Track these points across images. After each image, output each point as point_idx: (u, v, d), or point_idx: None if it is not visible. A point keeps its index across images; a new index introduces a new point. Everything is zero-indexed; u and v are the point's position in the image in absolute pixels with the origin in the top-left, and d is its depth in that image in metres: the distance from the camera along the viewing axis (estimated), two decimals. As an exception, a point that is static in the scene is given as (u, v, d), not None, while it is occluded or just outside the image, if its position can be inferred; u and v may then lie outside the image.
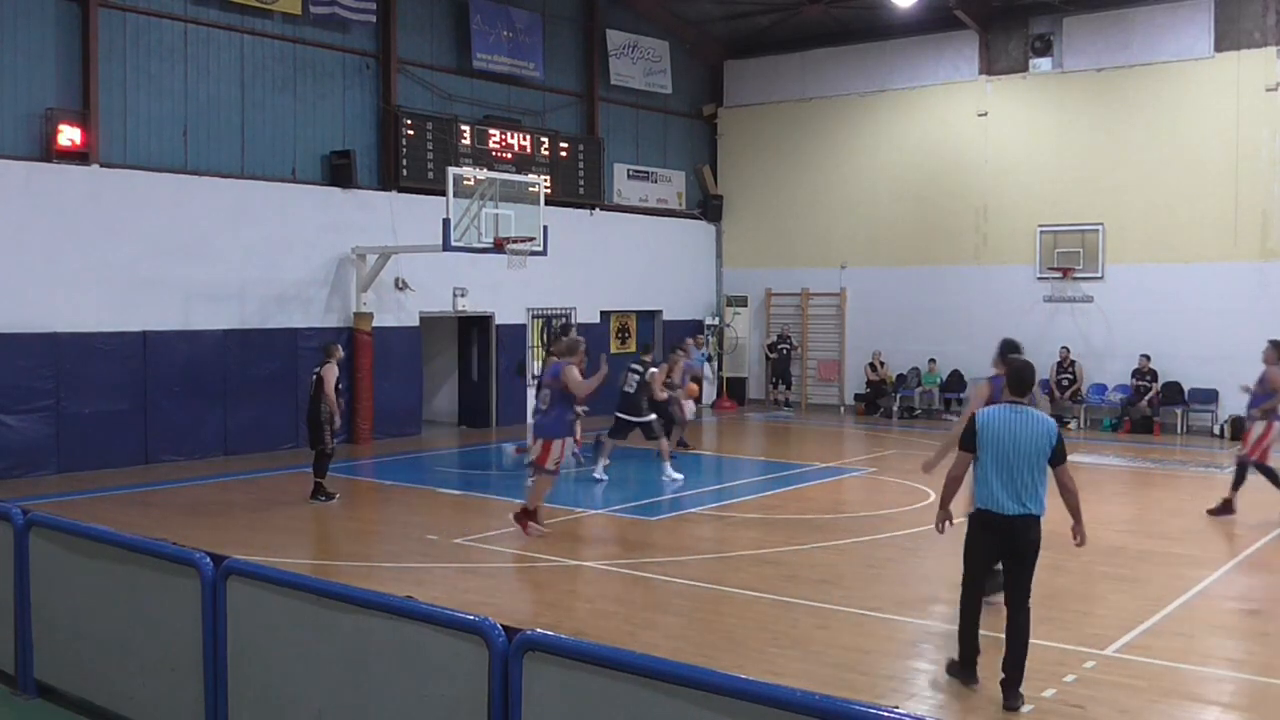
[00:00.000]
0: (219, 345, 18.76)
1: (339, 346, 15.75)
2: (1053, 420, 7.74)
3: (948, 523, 7.92)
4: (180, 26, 18.51)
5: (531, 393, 23.77)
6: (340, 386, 14.99)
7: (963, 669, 7.92)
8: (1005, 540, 7.60)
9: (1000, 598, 7.95)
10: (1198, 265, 22.41)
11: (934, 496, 15.22)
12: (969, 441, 7.65)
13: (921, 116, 25.71)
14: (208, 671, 5.94)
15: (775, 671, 7.99)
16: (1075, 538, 7.83)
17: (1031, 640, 8.84)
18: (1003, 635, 7.67)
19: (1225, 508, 14.01)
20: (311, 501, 14.69)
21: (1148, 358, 22.44)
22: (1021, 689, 7.52)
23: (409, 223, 20.75)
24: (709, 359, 25.95)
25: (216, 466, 17.73)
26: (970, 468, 7.76)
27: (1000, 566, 7.92)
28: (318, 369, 14.97)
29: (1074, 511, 7.74)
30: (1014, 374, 7.89)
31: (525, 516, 12.79)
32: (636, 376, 17.04)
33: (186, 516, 13.89)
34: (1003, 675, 7.58)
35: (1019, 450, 7.47)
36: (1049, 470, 7.59)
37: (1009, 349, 10.38)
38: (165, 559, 6.32)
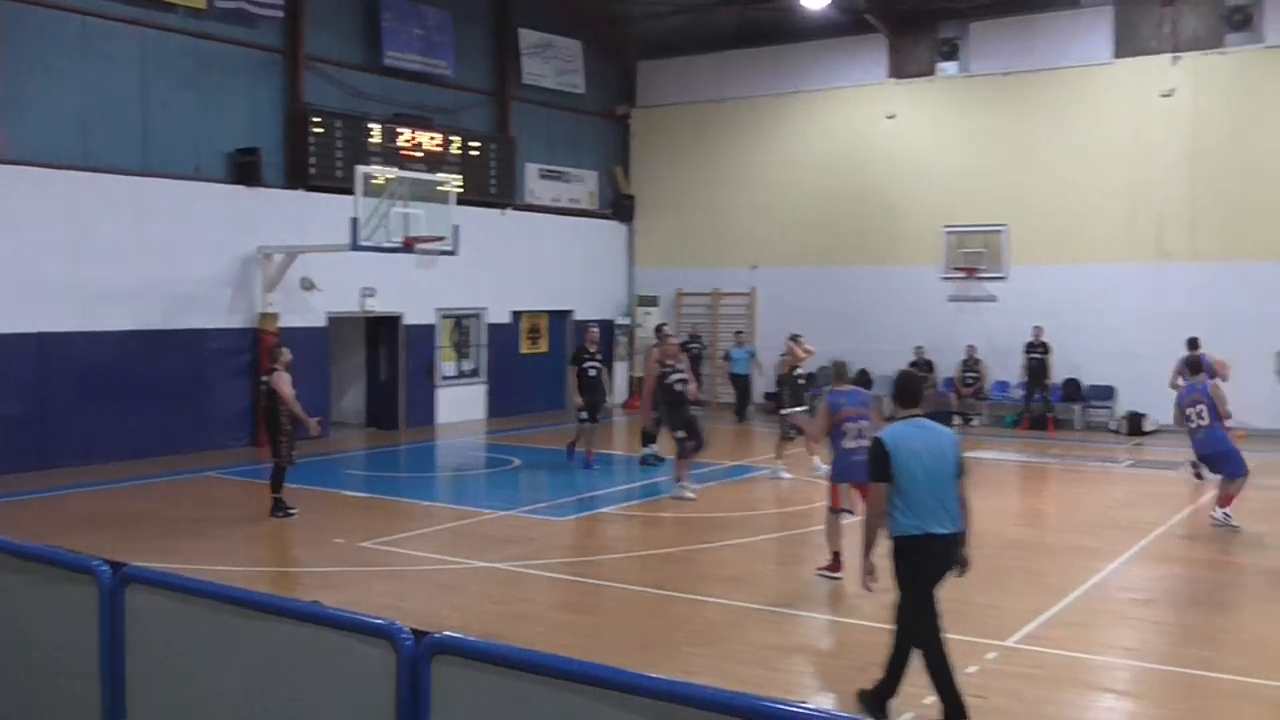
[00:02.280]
0: (120, 347, 18.33)
1: (286, 350, 14.42)
2: (950, 431, 7.34)
3: (872, 574, 7.37)
4: (79, 20, 18.05)
5: (441, 393, 23.73)
6: (295, 392, 13.95)
7: (877, 707, 7.29)
8: (943, 562, 7.08)
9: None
10: (1097, 266, 22.97)
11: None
12: (882, 470, 7.00)
13: (832, 118, 26.00)
14: (106, 682, 5.81)
15: (688, 670, 8.03)
16: (964, 565, 7.26)
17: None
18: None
19: None
20: (271, 518, 13.89)
21: (1040, 329, 22.83)
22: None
23: (316, 222, 20.47)
24: (752, 355, 25.84)
25: (118, 471, 17.32)
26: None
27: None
28: (266, 378, 14.16)
29: (968, 527, 7.25)
30: (903, 386, 7.44)
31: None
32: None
33: (87, 523, 13.56)
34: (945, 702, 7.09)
35: (937, 464, 7.02)
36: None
37: (840, 372, 11.44)
38: (61, 567, 6.16)
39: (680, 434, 15.21)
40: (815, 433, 11.40)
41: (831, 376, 11.73)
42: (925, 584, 7.06)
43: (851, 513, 10.71)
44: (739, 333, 26.08)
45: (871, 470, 7.12)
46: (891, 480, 6.95)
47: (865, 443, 9.89)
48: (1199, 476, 15.62)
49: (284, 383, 13.75)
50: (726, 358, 25.96)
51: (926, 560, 7.01)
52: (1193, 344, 17.23)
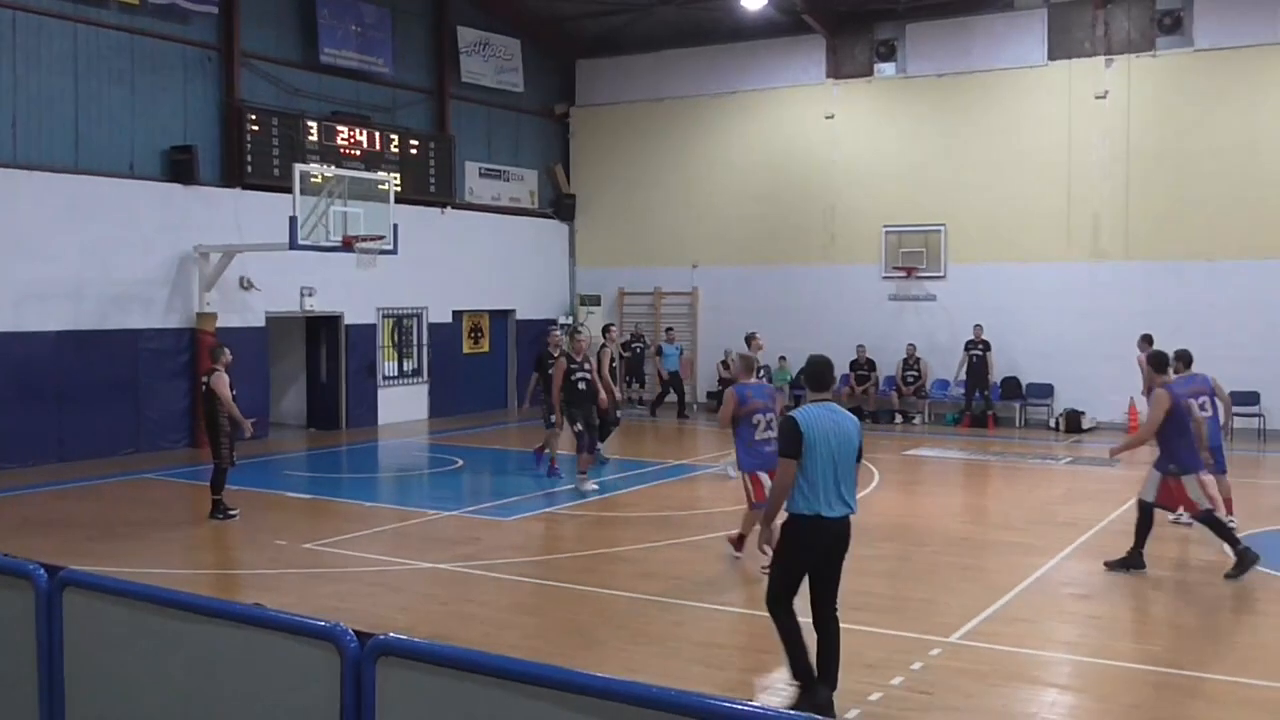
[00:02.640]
0: (53, 347, 18.00)
1: (227, 350, 14.05)
2: (854, 417, 7.56)
3: (771, 542, 7.74)
4: (8, 14, 17.69)
5: (382, 394, 23.55)
6: (235, 393, 13.74)
7: (809, 695, 7.35)
8: (830, 543, 7.33)
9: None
10: (1034, 265, 23.28)
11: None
12: (794, 447, 7.19)
13: (771, 118, 26.12)
14: (43, 689, 5.69)
15: (633, 669, 8.02)
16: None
17: (880, 630, 9.07)
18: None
19: None
20: (211, 520, 13.66)
21: (981, 327, 23.04)
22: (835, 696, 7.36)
23: (254, 221, 20.23)
24: (681, 352, 25.93)
25: (51, 474, 17.01)
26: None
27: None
28: (206, 378, 13.83)
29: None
30: (814, 371, 7.59)
31: None
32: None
33: (21, 527, 13.30)
34: (824, 673, 7.41)
35: (842, 449, 7.25)
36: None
37: (747, 366, 11.87)
38: (-5, 571, 6.03)
39: (578, 428, 15.63)
40: (723, 419, 11.79)
41: (739, 370, 12.04)
42: (803, 560, 7.35)
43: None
44: (669, 329, 26.15)
45: (782, 446, 7.36)
46: (800, 458, 7.17)
47: (774, 433, 10.64)
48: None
49: (222, 383, 13.52)
50: (659, 353, 26.01)
51: (811, 540, 7.29)
52: (1148, 340, 17.66)
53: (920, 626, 9.24)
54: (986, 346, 23.00)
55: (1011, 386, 23.55)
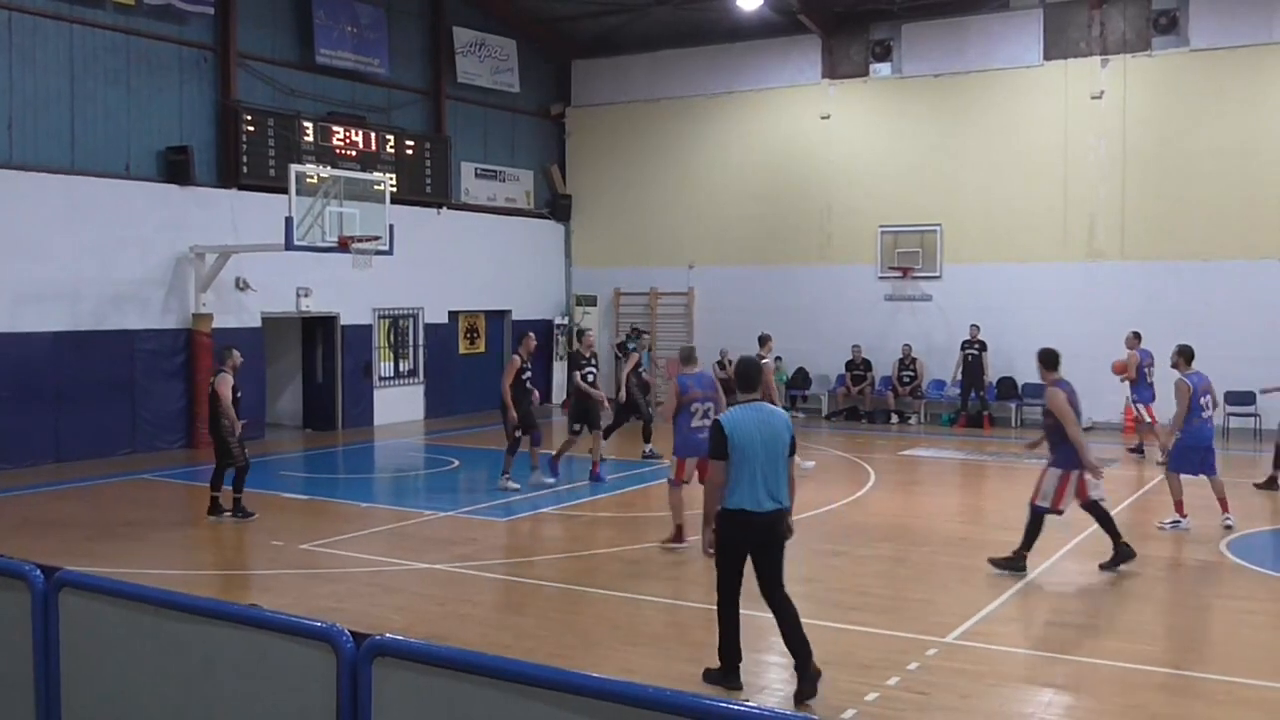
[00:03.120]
0: (49, 348, 17.98)
1: (236, 352, 14.14)
2: (786, 414, 7.95)
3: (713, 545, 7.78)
4: (4, 15, 17.68)
5: (378, 394, 23.55)
6: (239, 395, 13.74)
7: (726, 675, 7.81)
8: (761, 536, 7.61)
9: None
10: (1030, 265, 23.31)
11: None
12: (720, 449, 7.53)
13: (767, 118, 26.13)
14: (40, 690, 5.69)
15: (629, 669, 8.02)
16: (786, 528, 7.77)
17: (876, 630, 9.08)
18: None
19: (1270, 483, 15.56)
20: (209, 518, 13.66)
21: (977, 327, 23.05)
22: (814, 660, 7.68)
23: (250, 221, 20.23)
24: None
25: (48, 474, 17.00)
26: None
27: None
28: (213, 379, 13.81)
29: (791, 502, 7.76)
30: (741, 372, 7.99)
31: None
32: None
33: (16, 527, 13.30)
34: (794, 660, 7.69)
35: (769, 447, 7.54)
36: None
37: (687, 356, 12.50)
38: (-8, 572, 6.03)
39: (516, 431, 15.77)
40: (665, 412, 12.33)
41: (680, 361, 12.60)
42: (737, 553, 7.66)
43: (687, 483, 11.81)
44: (633, 327, 25.89)
45: (711, 449, 7.68)
46: (728, 458, 7.49)
47: (708, 422, 10.89)
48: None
49: (224, 384, 13.49)
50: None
51: (740, 534, 7.60)
52: (1137, 337, 17.92)
53: (917, 627, 9.26)
54: (982, 347, 23.02)
55: (1007, 387, 23.57)
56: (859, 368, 24.79)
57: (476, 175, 26.48)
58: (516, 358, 16.01)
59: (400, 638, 4.57)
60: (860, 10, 24.66)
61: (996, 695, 7.89)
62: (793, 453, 7.74)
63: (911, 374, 24.22)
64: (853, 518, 13.95)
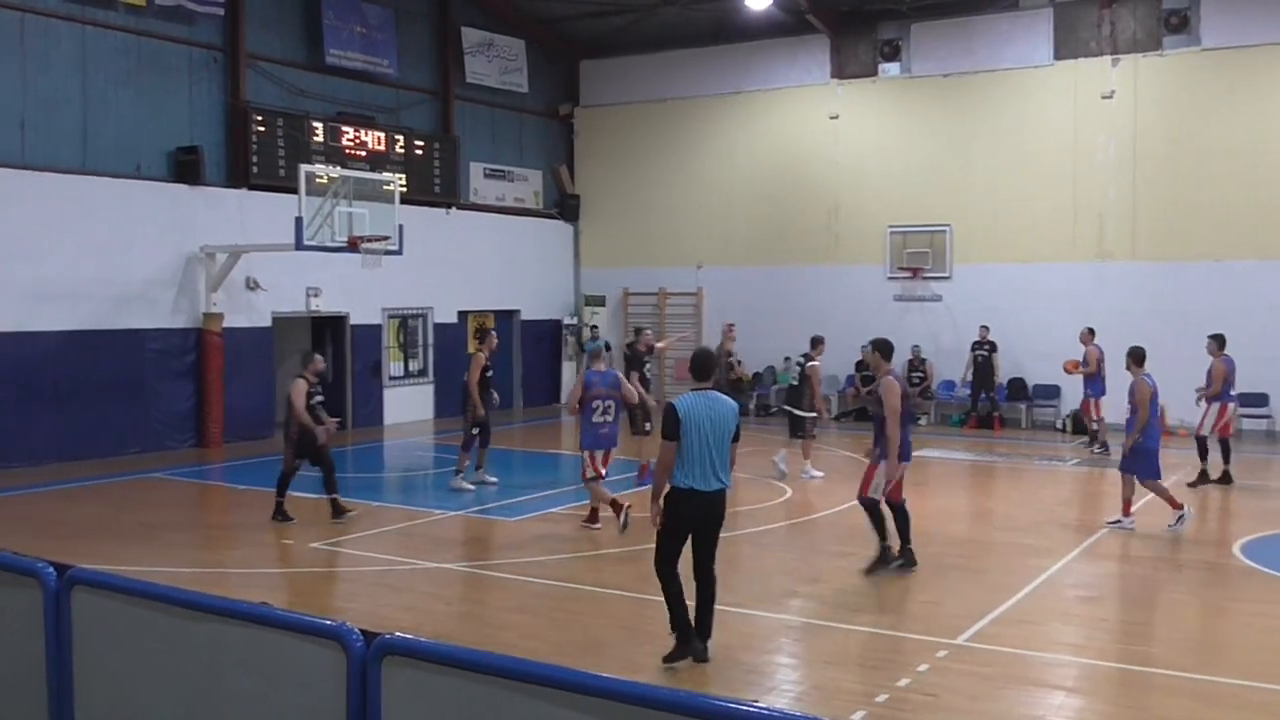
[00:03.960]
0: (59, 347, 18.03)
1: (320, 357, 14.07)
2: (734, 402, 8.47)
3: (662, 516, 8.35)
4: (15, 16, 17.74)
5: (387, 394, 23.58)
6: (318, 399, 13.54)
7: (683, 648, 8.27)
8: (704, 513, 8.24)
9: None
10: (1039, 265, 23.26)
11: (791, 493, 15.54)
12: (673, 431, 8.11)
13: (775, 118, 26.12)
14: (52, 687, 5.71)
15: (635, 669, 8.03)
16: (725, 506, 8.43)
17: (885, 631, 9.07)
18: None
19: (1202, 479, 15.76)
20: (272, 522, 13.55)
21: (987, 328, 23.00)
22: (711, 643, 8.35)
23: (260, 221, 20.27)
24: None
25: (57, 473, 17.04)
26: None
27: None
28: (291, 384, 13.72)
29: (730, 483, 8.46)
30: (695, 362, 8.55)
31: None
32: (798, 369, 17.21)
33: (26, 525, 13.34)
34: (700, 631, 8.33)
35: (715, 431, 8.14)
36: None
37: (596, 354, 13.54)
38: (4, 569, 6.05)
39: (474, 430, 15.82)
40: (570, 404, 13.23)
41: (588, 359, 13.58)
42: (682, 528, 8.28)
43: (603, 477, 12.86)
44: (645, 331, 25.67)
45: (664, 430, 8.22)
46: (679, 440, 8.08)
47: (610, 417, 12.82)
48: None
49: (298, 391, 13.37)
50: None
51: (688, 510, 8.21)
52: (1220, 342, 17.94)
53: (926, 628, 9.24)
54: (992, 347, 22.97)
55: (1017, 388, 23.53)
56: (868, 368, 24.73)
57: (485, 175, 26.51)
58: (481, 355, 15.98)
59: (410, 636, 4.58)
60: (869, 10, 24.64)
61: (1006, 697, 7.87)
62: (736, 439, 8.33)
63: (921, 375, 24.18)
64: (861, 519, 13.91)
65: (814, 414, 16.85)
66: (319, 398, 13.66)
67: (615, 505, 12.57)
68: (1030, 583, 10.76)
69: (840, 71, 25.42)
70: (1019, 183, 23.48)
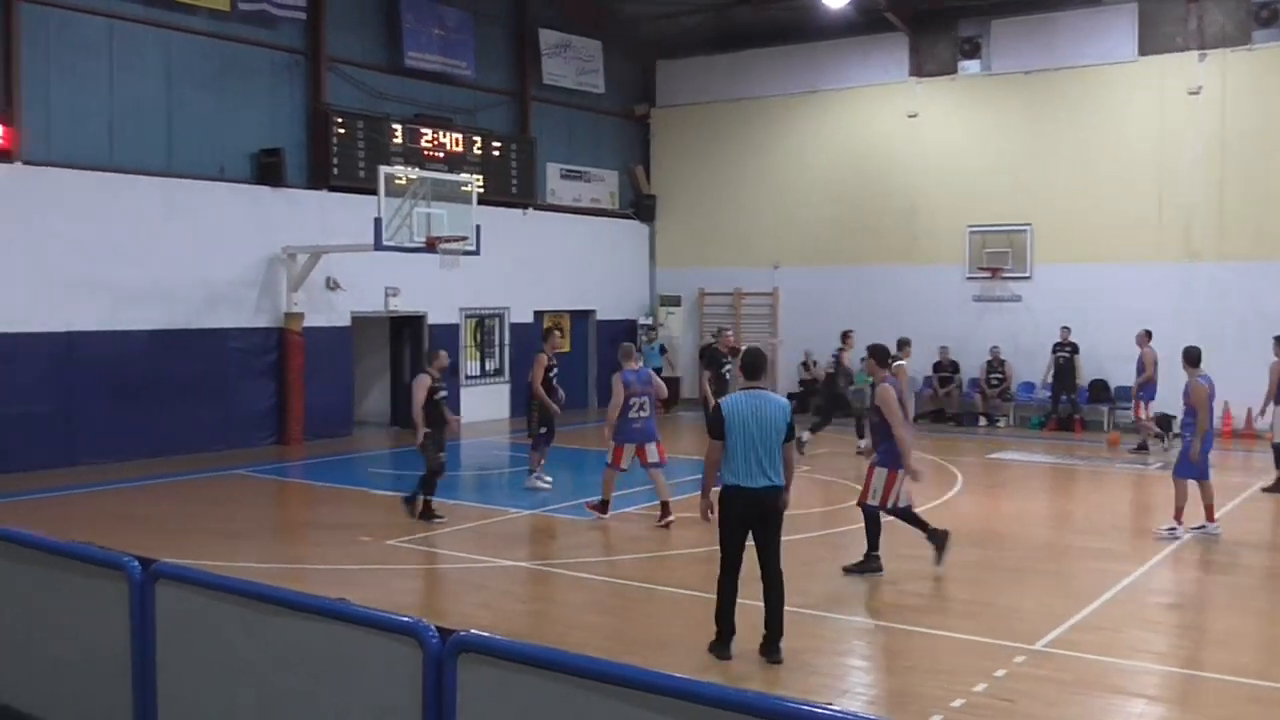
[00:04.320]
0: (146, 346, 18.44)
1: (444, 353, 13.92)
2: (787, 401, 8.60)
3: (710, 511, 8.64)
4: (104, 22, 18.17)
5: (464, 393, 23.76)
6: (442, 395, 13.54)
7: (717, 645, 8.52)
8: (754, 510, 8.36)
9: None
10: (1123, 265, 22.81)
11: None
12: (718, 429, 8.35)
13: (851, 117, 25.93)
14: (136, 677, 5.84)
15: (707, 669, 8.01)
16: (781, 503, 8.52)
17: (962, 636, 8.97)
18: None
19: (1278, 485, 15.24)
20: (420, 520, 13.54)
21: (1068, 329, 22.57)
22: (782, 644, 8.41)
23: (340, 222, 20.55)
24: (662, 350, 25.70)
25: (143, 469, 17.43)
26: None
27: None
28: (412, 379, 13.81)
29: (788, 482, 8.56)
30: (747, 362, 8.70)
31: None
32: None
33: (113, 519, 13.65)
34: (765, 633, 8.42)
35: (762, 429, 8.28)
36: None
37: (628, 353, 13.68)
38: (92, 563, 6.20)
39: (542, 429, 15.91)
40: (611, 415, 13.22)
41: (621, 357, 13.66)
42: (732, 525, 8.43)
43: (626, 470, 13.32)
44: (650, 330, 25.74)
45: (710, 428, 8.51)
46: (724, 438, 8.30)
47: (645, 413, 13.09)
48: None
49: (419, 386, 13.39)
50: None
51: (736, 506, 8.38)
52: (1149, 335, 17.92)
53: (1003, 633, 9.12)
54: (1074, 349, 22.57)
55: (1099, 390, 23.12)
56: (946, 370, 24.49)
57: (561, 176, 26.64)
58: (543, 355, 15.95)
59: (485, 634, 4.61)
60: (948, 6, 24.37)
61: (1085, 705, 7.73)
62: (789, 438, 8.42)
63: (1000, 376, 23.86)
64: (939, 522, 13.76)
65: None
66: (443, 393, 13.66)
67: (604, 504, 13.37)
68: (1111, 588, 10.57)
69: (919, 69, 25.16)
70: (1102, 181, 23.06)
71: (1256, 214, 21.70)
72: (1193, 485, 12.69)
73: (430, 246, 18.83)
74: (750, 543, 8.50)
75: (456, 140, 23.40)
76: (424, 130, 22.73)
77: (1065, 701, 7.72)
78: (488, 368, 24.56)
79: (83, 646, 6.27)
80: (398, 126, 22.23)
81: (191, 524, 13.64)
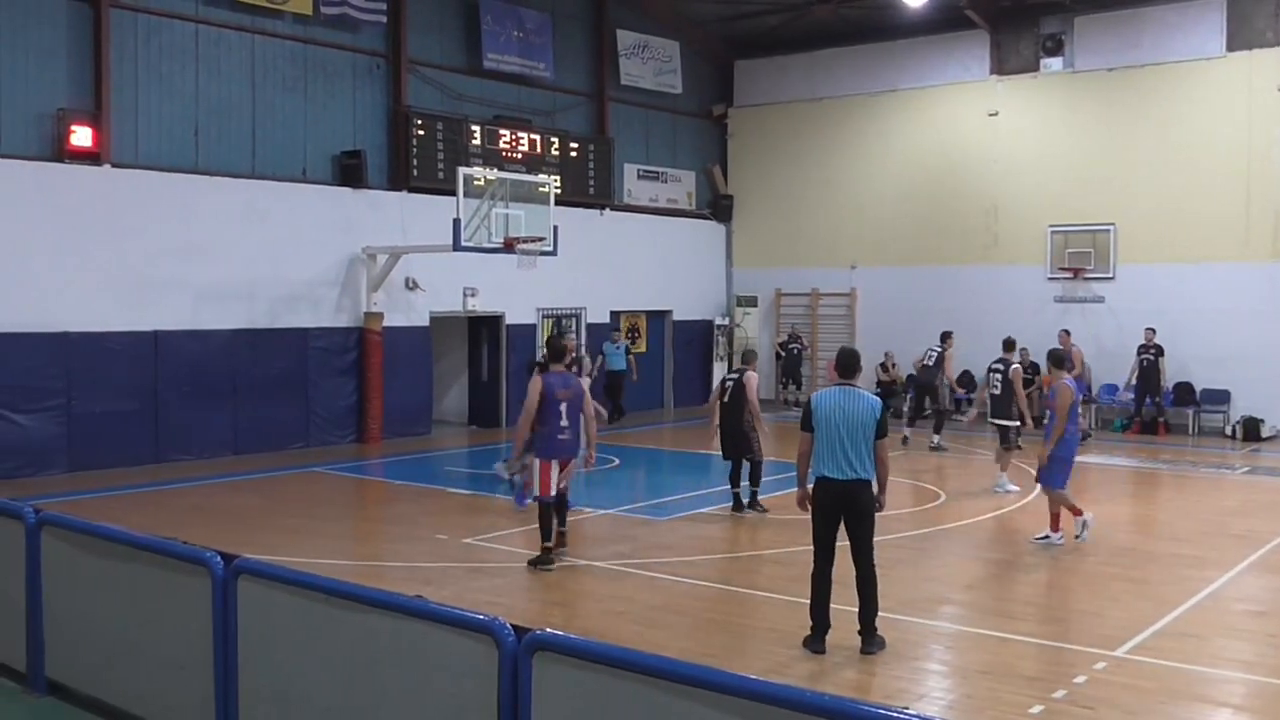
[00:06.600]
0: (228, 345, 18.79)
1: (754, 353, 15.02)
2: (879, 400, 8.78)
3: (808, 500, 8.89)
4: (191, 27, 18.56)
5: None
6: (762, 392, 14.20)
7: (810, 640, 8.72)
8: (841, 502, 8.60)
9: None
10: (1209, 265, 22.33)
11: (945, 497, 15.27)
12: (806, 422, 8.73)
13: (931, 116, 25.67)
14: (218, 670, 5.96)
15: (783, 672, 7.98)
16: (877, 504, 8.77)
17: (1042, 641, 8.85)
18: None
19: None
20: (748, 511, 14.02)
21: (1153, 330, 22.14)
22: (878, 634, 8.68)
23: (419, 222, 20.78)
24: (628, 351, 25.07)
25: (225, 466, 17.77)
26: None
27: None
28: (737, 375, 14.16)
29: (881, 482, 8.77)
30: (841, 360, 9.00)
31: None
32: (998, 376, 16.17)
33: (196, 515, 13.92)
34: (859, 626, 8.65)
35: (848, 424, 8.53)
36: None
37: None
38: (176, 558, 6.34)
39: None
40: (522, 420, 12.40)
41: (549, 355, 12.58)
42: (821, 514, 8.74)
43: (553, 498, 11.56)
44: (615, 330, 25.11)
45: (801, 421, 8.87)
46: (813, 431, 8.65)
47: (568, 424, 11.70)
48: None
49: (751, 384, 13.96)
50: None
51: (823, 497, 8.70)
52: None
53: (1084, 639, 8.98)
54: (1159, 351, 22.11)
55: (1184, 392, 22.65)
56: (1027, 371, 24.06)
57: (639, 176, 26.68)
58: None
59: (560, 633, 4.64)
60: (1030, 3, 24.02)
61: (1168, 713, 7.59)
62: (880, 435, 8.58)
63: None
64: (1018, 525, 13.61)
65: (1017, 422, 16.05)
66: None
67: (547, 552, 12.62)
68: (1195, 595, 10.36)
69: (1000, 67, 24.84)
70: (1188, 180, 22.58)
71: (1350, 213, 21.11)
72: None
73: (508, 247, 18.97)
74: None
75: (534, 141, 23.54)
76: (502, 131, 22.90)
77: (1147, 709, 7.58)
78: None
79: (167, 641, 6.41)
80: (476, 128, 22.42)
81: (272, 520, 13.87)
